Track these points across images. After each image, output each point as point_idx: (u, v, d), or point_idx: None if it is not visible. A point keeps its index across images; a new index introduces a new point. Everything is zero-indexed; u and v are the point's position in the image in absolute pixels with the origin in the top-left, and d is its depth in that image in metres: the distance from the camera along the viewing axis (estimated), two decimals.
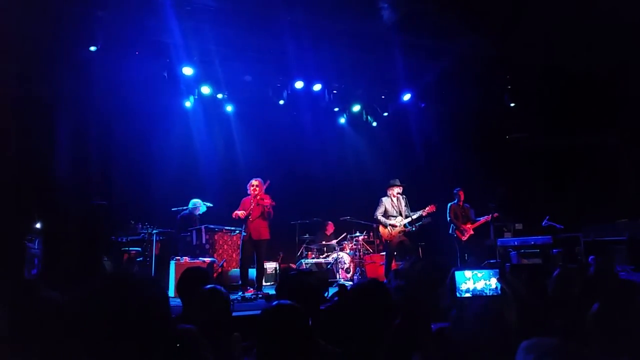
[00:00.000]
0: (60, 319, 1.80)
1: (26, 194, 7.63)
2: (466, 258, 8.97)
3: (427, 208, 8.37)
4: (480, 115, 11.25)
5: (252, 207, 7.49)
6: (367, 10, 8.02)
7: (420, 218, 8.41)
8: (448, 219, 9.16)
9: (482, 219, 9.21)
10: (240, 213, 7.51)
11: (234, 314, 4.65)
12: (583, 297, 2.46)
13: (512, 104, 11.03)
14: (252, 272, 8.20)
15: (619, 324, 1.87)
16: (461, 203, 9.22)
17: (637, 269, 8.01)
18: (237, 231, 9.21)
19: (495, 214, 9.21)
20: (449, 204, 9.23)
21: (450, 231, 9.20)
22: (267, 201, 7.51)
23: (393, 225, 8.30)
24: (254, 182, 7.64)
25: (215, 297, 2.87)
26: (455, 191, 9.30)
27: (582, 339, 1.97)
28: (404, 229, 8.31)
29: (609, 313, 1.92)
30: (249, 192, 7.66)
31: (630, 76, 8.90)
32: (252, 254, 7.61)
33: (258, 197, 7.51)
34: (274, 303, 2.34)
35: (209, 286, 2.97)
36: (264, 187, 7.63)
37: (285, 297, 2.62)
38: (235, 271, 8.45)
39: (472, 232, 9.08)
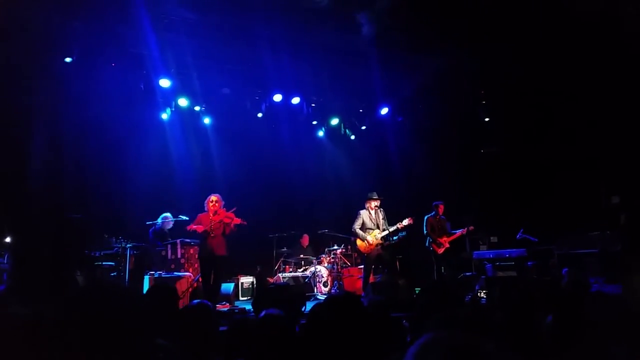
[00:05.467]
0: (29, 336, 1.74)
1: None
2: (442, 271, 9.02)
3: (404, 221, 8.39)
4: (455, 129, 11.43)
5: (212, 223, 7.23)
6: (346, 25, 8.11)
7: (397, 231, 8.43)
8: (425, 231, 9.17)
9: (458, 232, 9.25)
10: (197, 227, 7.21)
11: None
12: (554, 308, 2.49)
13: (487, 119, 11.26)
14: (226, 287, 8.10)
15: (574, 335, 1.90)
16: (438, 217, 9.24)
17: (609, 281, 8.16)
18: None
19: (471, 227, 9.30)
20: (425, 217, 9.24)
21: (426, 244, 9.20)
22: (237, 220, 7.31)
23: (370, 239, 8.29)
24: (213, 197, 7.41)
25: (202, 312, 2.79)
26: (434, 204, 9.28)
27: (542, 349, 2.00)
28: (381, 241, 8.31)
29: (562, 324, 1.94)
30: (206, 208, 7.42)
31: (601, 91, 9.16)
32: (210, 271, 7.36)
33: (219, 215, 7.30)
34: (262, 313, 2.32)
35: (196, 301, 2.90)
36: (230, 211, 7.42)
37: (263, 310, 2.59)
38: None
39: (447, 245, 9.12)
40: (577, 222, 9.58)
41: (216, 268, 7.29)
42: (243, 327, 2.62)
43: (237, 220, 7.34)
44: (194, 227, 7.29)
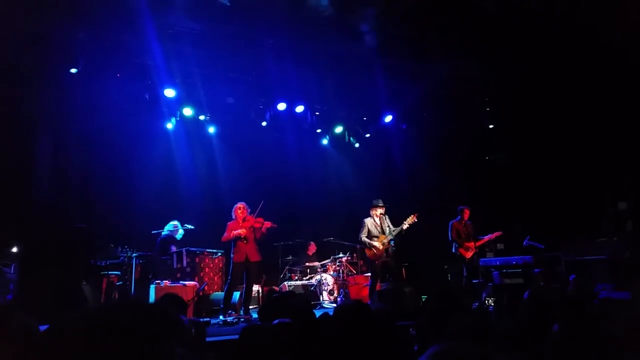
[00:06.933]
0: (36, 347, 1.74)
1: (3, 216, 7.48)
2: (472, 276, 8.88)
3: (408, 219, 8.27)
4: (460, 136, 11.42)
5: (246, 229, 7.44)
6: (350, 34, 8.14)
7: (402, 231, 8.33)
8: (450, 237, 8.97)
9: (486, 237, 9.11)
10: (241, 231, 7.39)
11: (212, 338, 4.57)
12: (560, 316, 2.47)
13: (491, 125, 11.24)
14: (234, 296, 8.09)
15: (579, 344, 1.88)
16: (464, 221, 9.03)
17: (617, 287, 8.09)
18: (219, 254, 9.10)
19: (499, 232, 9.20)
20: (450, 222, 9.04)
21: (452, 250, 9.01)
22: (268, 224, 7.51)
23: (376, 247, 8.23)
24: (240, 205, 7.63)
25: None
26: (459, 208, 9.09)
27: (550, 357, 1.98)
28: (388, 246, 8.24)
29: (568, 332, 1.92)
30: (234, 216, 7.59)
31: (607, 96, 9.14)
32: (242, 277, 7.50)
33: (248, 221, 7.49)
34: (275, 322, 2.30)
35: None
36: (256, 212, 7.62)
37: (269, 320, 2.57)
38: (217, 295, 8.33)
39: (476, 250, 8.96)
40: (584, 229, 9.51)
41: (250, 274, 7.50)
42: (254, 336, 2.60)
43: (268, 224, 7.52)
44: (235, 232, 7.38)
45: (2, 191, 7.52)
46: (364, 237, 8.33)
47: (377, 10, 7.60)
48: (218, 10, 7.33)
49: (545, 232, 9.60)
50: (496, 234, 9.23)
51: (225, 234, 7.50)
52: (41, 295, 6.40)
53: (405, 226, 8.25)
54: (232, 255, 7.54)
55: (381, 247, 8.20)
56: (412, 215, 8.28)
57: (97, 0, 7.06)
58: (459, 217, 9.08)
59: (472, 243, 8.95)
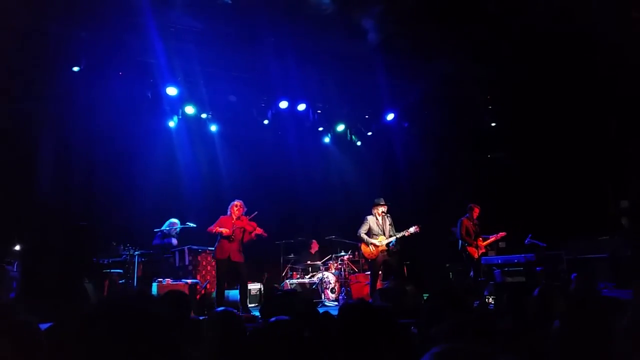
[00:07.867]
0: (39, 344, 1.75)
1: (6, 214, 7.50)
2: (479, 276, 8.77)
3: (411, 228, 8.20)
4: (462, 134, 11.40)
5: (234, 228, 7.39)
6: (352, 32, 8.13)
7: (403, 238, 8.29)
8: (458, 235, 8.75)
9: (492, 237, 9.00)
10: (223, 230, 7.33)
11: None
12: (565, 314, 2.47)
13: (493, 124, 11.22)
14: (234, 294, 8.10)
15: (580, 341, 1.88)
16: (473, 219, 8.81)
17: (619, 286, 8.08)
18: None
19: (504, 233, 9.11)
20: (460, 219, 8.82)
21: (459, 248, 8.80)
22: (259, 230, 7.49)
23: (375, 245, 8.20)
24: (237, 203, 7.59)
25: (229, 319, 2.82)
26: (469, 206, 8.87)
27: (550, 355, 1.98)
28: (385, 248, 8.20)
29: (568, 330, 1.92)
30: (229, 212, 7.56)
31: (608, 95, 9.12)
32: (229, 275, 7.49)
33: (241, 221, 7.45)
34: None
35: (220, 308, 2.93)
36: (251, 216, 7.58)
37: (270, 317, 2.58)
38: None
39: (484, 250, 8.84)
40: (586, 227, 9.49)
41: (239, 275, 7.46)
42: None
43: (259, 231, 7.51)
44: (220, 229, 7.34)
45: (5, 189, 7.53)
46: (363, 234, 8.27)
47: (379, 8, 7.59)
48: (220, 9, 7.33)
49: (547, 230, 9.57)
50: (501, 234, 9.10)
51: (212, 226, 7.46)
52: (44, 293, 6.42)
53: (406, 234, 8.19)
54: (214, 250, 7.53)
55: (378, 246, 8.15)
56: (415, 226, 8.17)
57: None
58: (468, 214, 8.86)
59: (480, 242, 8.80)
